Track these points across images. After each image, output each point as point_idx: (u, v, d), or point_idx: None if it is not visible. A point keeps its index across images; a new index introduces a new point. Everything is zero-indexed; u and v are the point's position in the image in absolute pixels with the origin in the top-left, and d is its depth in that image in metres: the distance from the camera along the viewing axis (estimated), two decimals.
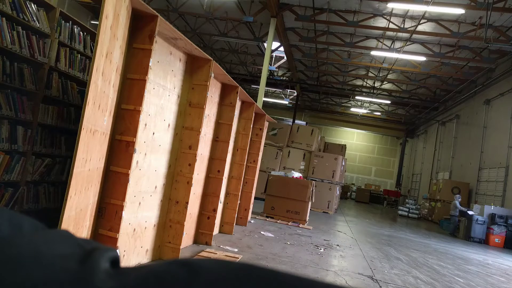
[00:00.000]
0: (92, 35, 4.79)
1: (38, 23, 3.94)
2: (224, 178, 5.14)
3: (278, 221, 7.93)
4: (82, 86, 4.74)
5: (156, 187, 3.75)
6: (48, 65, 4.07)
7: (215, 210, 4.94)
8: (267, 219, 7.99)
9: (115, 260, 0.36)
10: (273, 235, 6.19)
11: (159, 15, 2.98)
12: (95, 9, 16.35)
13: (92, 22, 16.20)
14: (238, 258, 4.34)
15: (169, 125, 3.84)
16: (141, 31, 3.00)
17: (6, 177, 3.74)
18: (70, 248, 0.34)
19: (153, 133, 3.55)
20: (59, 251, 0.34)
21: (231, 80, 4.98)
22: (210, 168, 5.05)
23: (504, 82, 13.70)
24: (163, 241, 3.95)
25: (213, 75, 4.21)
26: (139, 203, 3.47)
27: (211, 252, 4.43)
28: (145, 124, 3.38)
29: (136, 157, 3.26)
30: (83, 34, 4.61)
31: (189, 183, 3.97)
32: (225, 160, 5.07)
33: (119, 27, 2.62)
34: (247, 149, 6.05)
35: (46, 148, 4.25)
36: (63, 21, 4.25)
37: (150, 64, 2.96)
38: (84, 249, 0.35)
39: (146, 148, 3.45)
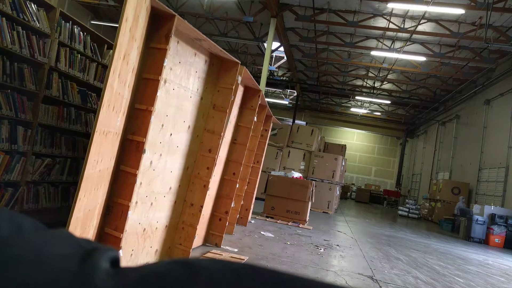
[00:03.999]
0: (92, 35, 4.79)
1: (38, 23, 3.94)
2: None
3: (278, 221, 7.93)
4: (82, 86, 4.74)
5: (170, 188, 3.70)
6: (48, 65, 4.07)
7: (227, 212, 4.89)
8: (267, 219, 7.99)
9: (115, 260, 0.36)
10: (273, 235, 6.19)
11: (176, 14, 2.95)
12: (95, 9, 16.36)
13: (92, 22, 16.20)
14: (244, 259, 4.32)
15: (189, 126, 3.77)
16: (159, 31, 2.96)
17: (6, 177, 3.74)
18: (70, 248, 0.34)
19: (171, 134, 3.49)
20: (59, 251, 0.34)
21: (255, 84, 4.94)
22: (226, 170, 4.98)
23: (504, 82, 13.70)
24: (174, 243, 3.89)
25: (240, 79, 4.09)
26: (151, 204, 3.43)
27: (217, 254, 4.41)
28: (162, 125, 3.33)
29: (150, 157, 3.22)
30: (83, 34, 4.61)
31: (205, 187, 3.89)
32: (241, 163, 5.00)
33: (138, 29, 2.60)
34: (255, 150, 6.04)
35: (46, 148, 4.25)
36: (63, 21, 4.25)
37: (164, 64, 2.91)
38: (84, 249, 0.35)
39: (162, 148, 3.41)
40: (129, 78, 2.70)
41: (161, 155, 3.41)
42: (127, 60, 2.50)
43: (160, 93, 3.08)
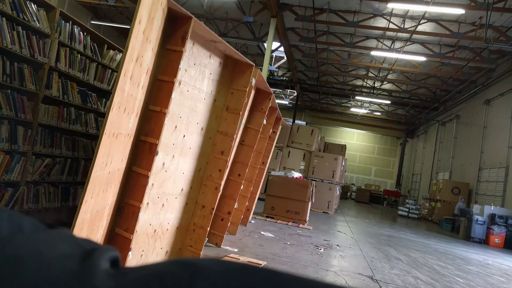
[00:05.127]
0: (92, 35, 4.79)
1: (38, 23, 3.94)
2: None
3: (278, 221, 7.93)
4: (82, 86, 4.74)
5: (182, 189, 3.67)
6: (48, 65, 4.07)
7: (230, 213, 4.87)
8: (267, 219, 7.99)
9: (115, 260, 0.36)
10: (273, 235, 6.19)
11: (193, 16, 2.92)
12: (95, 9, 16.36)
13: (92, 22, 16.20)
14: (261, 264, 4.23)
15: (202, 128, 3.75)
16: (175, 32, 2.93)
17: (6, 177, 3.74)
18: (70, 248, 0.34)
19: (184, 136, 3.46)
20: (59, 251, 0.34)
21: (267, 87, 4.92)
22: (232, 170, 4.96)
23: (504, 82, 13.70)
24: (185, 245, 3.87)
25: (254, 81, 4.04)
26: (162, 205, 3.41)
27: (235, 258, 4.33)
28: (175, 126, 3.31)
29: (162, 158, 3.20)
30: (83, 34, 4.61)
31: (217, 189, 3.86)
32: (247, 165, 4.98)
33: (153, 30, 2.56)
34: (263, 152, 6.02)
35: (46, 148, 4.25)
36: (63, 21, 4.25)
37: (180, 66, 2.88)
38: (84, 249, 0.35)
39: (175, 150, 3.38)
40: (143, 80, 2.67)
41: (173, 156, 3.38)
42: (140, 62, 2.47)
43: (174, 95, 3.05)
